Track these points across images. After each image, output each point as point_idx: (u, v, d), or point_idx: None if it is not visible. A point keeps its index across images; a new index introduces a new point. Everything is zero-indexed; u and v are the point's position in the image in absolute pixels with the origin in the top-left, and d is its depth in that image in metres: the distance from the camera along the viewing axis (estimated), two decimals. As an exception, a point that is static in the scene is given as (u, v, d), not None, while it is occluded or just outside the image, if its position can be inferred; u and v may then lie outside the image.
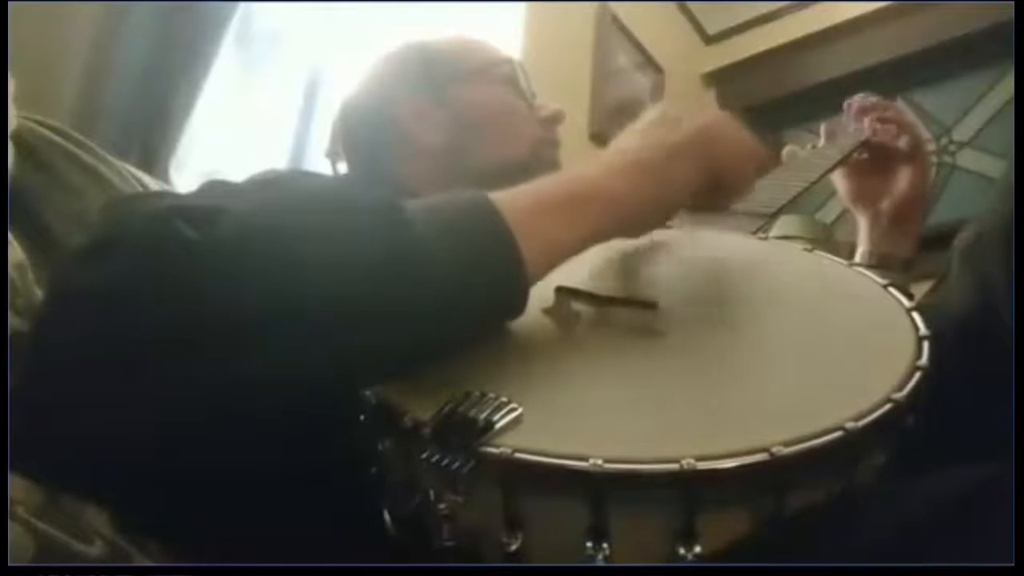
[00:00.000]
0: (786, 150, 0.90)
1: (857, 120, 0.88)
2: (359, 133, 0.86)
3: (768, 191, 0.75)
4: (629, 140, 0.57)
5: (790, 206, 0.76)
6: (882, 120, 0.87)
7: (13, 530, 0.39)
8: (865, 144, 0.86)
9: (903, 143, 0.86)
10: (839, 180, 0.90)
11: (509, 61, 0.86)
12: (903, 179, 0.86)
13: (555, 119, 0.84)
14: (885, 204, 0.87)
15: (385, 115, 0.83)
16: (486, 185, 0.50)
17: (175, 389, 0.39)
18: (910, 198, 0.86)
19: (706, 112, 0.60)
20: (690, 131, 0.56)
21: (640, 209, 0.54)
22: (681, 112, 0.59)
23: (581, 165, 0.55)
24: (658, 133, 0.56)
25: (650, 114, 0.59)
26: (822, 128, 0.91)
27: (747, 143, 0.60)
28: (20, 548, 0.39)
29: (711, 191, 0.59)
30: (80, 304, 0.41)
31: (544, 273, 0.49)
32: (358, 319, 0.42)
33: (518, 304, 0.47)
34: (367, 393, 0.44)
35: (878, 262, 0.84)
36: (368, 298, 0.42)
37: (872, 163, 0.88)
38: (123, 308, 0.39)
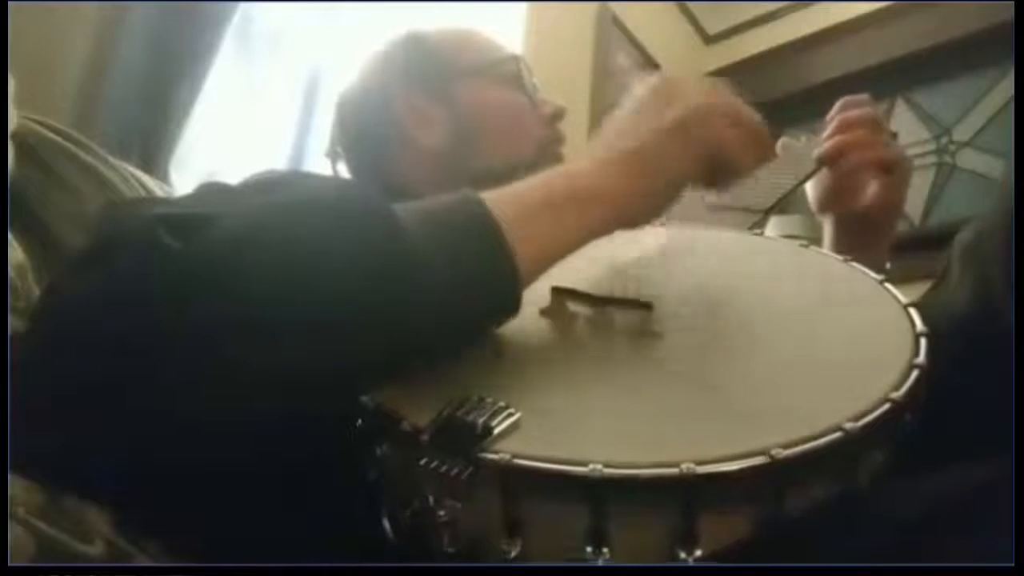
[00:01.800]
0: (780, 142, 0.88)
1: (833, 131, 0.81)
2: (354, 128, 0.84)
3: (762, 186, 0.74)
4: (621, 124, 0.56)
5: (786, 200, 0.75)
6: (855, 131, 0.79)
7: (13, 530, 0.39)
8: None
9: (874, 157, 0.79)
10: (808, 185, 0.83)
11: (514, 58, 0.83)
12: (872, 191, 0.79)
13: (558, 116, 0.83)
14: (852, 213, 0.80)
15: (379, 110, 0.81)
16: (489, 186, 0.49)
17: (170, 391, 0.39)
18: (879, 210, 0.79)
19: (698, 91, 0.57)
20: (682, 115, 0.54)
21: (635, 203, 0.53)
22: (671, 82, 0.57)
23: (575, 161, 0.54)
24: (650, 117, 0.54)
25: (642, 89, 0.57)
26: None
27: (745, 123, 0.57)
28: (20, 548, 0.39)
29: (710, 173, 0.57)
30: (71, 309, 0.41)
31: (538, 274, 0.49)
32: (350, 325, 0.41)
33: (512, 305, 0.47)
34: (364, 399, 0.44)
35: None
36: (361, 304, 0.42)
37: (842, 171, 0.80)
38: (113, 313, 0.39)
